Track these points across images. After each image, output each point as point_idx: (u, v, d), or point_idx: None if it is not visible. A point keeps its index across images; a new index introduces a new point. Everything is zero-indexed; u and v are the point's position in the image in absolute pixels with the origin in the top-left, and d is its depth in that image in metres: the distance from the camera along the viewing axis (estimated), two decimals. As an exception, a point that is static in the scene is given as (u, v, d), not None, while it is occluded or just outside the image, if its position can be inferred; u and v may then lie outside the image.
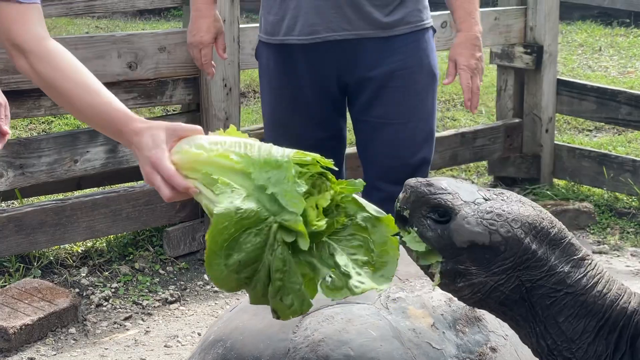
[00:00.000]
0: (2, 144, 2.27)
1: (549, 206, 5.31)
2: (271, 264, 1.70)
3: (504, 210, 1.71)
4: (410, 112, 3.25)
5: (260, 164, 1.71)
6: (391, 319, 2.23)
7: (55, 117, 6.26)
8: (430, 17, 3.34)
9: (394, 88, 3.22)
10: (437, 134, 5.68)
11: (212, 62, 3.45)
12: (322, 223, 1.72)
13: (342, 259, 1.74)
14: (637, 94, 5.61)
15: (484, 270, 1.71)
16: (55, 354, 3.74)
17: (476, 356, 2.23)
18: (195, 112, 4.56)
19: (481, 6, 3.39)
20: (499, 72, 5.88)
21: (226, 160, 1.73)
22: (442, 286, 1.79)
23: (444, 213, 1.73)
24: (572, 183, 5.75)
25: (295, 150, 1.74)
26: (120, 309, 4.15)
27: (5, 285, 4.06)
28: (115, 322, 4.04)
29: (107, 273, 4.40)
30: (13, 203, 4.54)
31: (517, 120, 5.77)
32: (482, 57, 3.23)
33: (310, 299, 1.75)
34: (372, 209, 1.78)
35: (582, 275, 1.78)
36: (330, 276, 1.75)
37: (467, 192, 1.74)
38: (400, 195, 1.78)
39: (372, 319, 2.22)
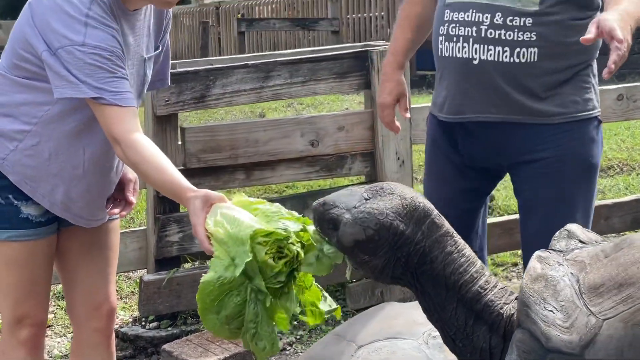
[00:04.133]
0: (127, 211, 3.00)
1: None
2: (247, 316, 2.29)
3: (374, 208, 2.12)
4: (560, 200, 3.18)
5: (234, 239, 2.26)
6: (428, 352, 2.72)
7: (249, 188, 7.03)
8: (597, 108, 3.18)
9: (542, 175, 3.17)
10: (617, 200, 5.95)
11: (397, 122, 3.63)
12: (280, 280, 2.28)
13: (309, 294, 2.32)
14: None
15: (372, 256, 2.16)
16: (233, 387, 4.46)
17: (498, 387, 2.67)
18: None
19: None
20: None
21: (219, 234, 2.30)
22: (354, 273, 2.28)
23: (335, 223, 2.18)
24: None
25: (259, 227, 2.27)
26: (300, 353, 4.80)
27: (203, 330, 4.83)
28: (290, 364, 4.70)
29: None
30: (214, 261, 5.31)
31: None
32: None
33: (278, 342, 2.34)
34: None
35: (440, 251, 2.15)
36: (301, 311, 2.33)
37: (353, 199, 2.17)
38: (312, 216, 2.25)
39: (412, 352, 2.73)
